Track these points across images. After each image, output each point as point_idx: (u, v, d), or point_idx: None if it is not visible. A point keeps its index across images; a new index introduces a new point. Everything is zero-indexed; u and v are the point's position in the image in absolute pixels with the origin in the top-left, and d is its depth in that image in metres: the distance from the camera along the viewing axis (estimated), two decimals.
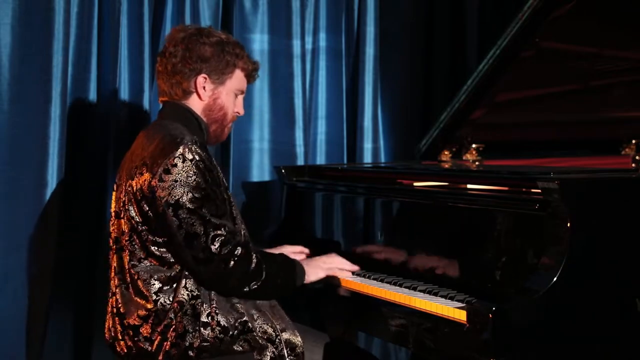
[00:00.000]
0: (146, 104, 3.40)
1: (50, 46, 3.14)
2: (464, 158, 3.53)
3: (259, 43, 3.69)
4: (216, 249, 2.41)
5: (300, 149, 3.76)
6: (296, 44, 3.75)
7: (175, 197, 2.40)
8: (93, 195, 3.34)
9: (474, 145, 3.51)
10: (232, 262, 2.42)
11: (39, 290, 3.16)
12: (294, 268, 2.59)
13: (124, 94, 3.39)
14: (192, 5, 3.52)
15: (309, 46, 3.82)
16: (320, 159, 3.91)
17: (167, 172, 2.41)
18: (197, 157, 2.44)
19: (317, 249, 2.88)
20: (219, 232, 2.42)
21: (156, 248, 2.46)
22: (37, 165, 3.14)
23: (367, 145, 3.94)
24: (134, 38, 3.39)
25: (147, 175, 2.44)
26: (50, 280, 3.18)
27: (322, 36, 3.88)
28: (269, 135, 3.75)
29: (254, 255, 2.48)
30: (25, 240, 3.15)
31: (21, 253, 3.14)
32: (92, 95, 3.33)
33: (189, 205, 2.40)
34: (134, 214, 2.47)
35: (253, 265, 2.46)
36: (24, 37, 3.12)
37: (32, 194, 3.14)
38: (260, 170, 3.74)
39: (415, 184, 2.90)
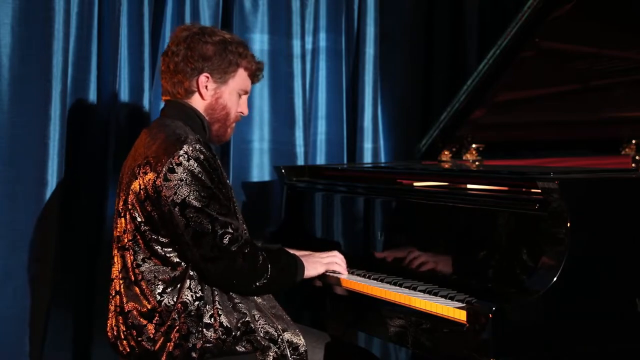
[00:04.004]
0: (146, 104, 3.40)
1: (50, 46, 3.14)
2: (464, 158, 3.54)
3: (259, 43, 3.69)
4: (226, 245, 2.40)
5: (300, 149, 3.76)
6: (296, 44, 3.75)
7: (181, 196, 2.39)
8: (93, 195, 3.34)
9: (474, 145, 3.51)
10: (240, 260, 2.42)
11: (39, 290, 3.16)
12: (296, 264, 2.60)
13: (124, 94, 3.39)
14: (192, 5, 3.51)
15: (309, 46, 3.81)
16: (320, 159, 3.91)
17: (172, 171, 2.40)
18: (201, 156, 2.43)
19: (317, 249, 2.88)
20: (226, 229, 2.41)
21: (160, 248, 2.45)
22: (37, 165, 3.14)
23: (367, 145, 3.94)
24: (134, 38, 3.39)
25: (151, 175, 2.43)
26: (51, 280, 3.18)
27: (322, 36, 3.88)
28: (269, 135, 3.75)
29: (260, 252, 2.48)
30: (25, 240, 3.15)
31: (21, 253, 3.14)
32: (92, 95, 3.33)
33: (195, 204, 2.40)
34: (137, 214, 2.46)
35: (260, 262, 2.46)
36: (24, 37, 3.12)
37: (32, 193, 3.14)
38: (260, 170, 3.74)
39: (415, 184, 2.90)
